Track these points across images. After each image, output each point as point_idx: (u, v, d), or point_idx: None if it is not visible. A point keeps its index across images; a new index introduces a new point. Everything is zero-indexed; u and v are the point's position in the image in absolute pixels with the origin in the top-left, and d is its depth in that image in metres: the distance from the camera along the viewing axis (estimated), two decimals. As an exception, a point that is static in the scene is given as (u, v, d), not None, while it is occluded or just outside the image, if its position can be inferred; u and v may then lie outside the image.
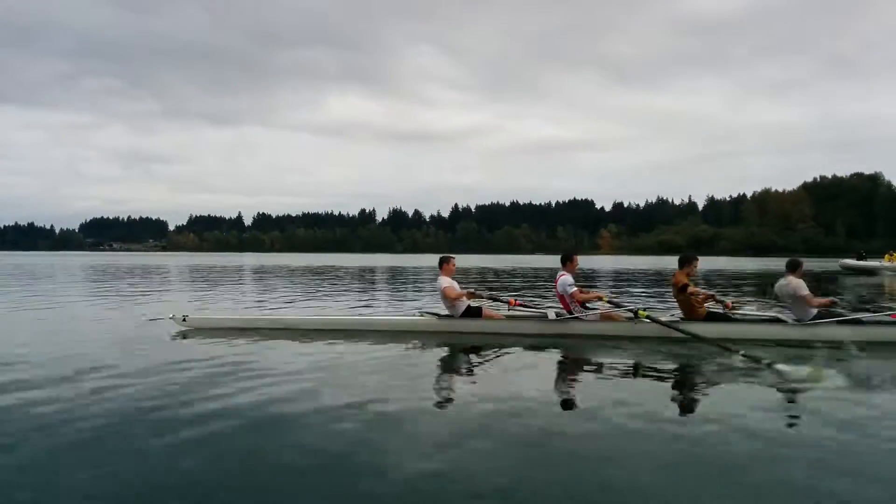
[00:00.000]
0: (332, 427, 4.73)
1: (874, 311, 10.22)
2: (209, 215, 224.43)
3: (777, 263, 57.78)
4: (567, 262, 9.75)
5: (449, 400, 5.90)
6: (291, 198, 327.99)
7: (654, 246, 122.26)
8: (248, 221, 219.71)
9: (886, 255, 38.75)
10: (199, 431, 4.58)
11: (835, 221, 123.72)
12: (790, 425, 5.00)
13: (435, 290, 10.91)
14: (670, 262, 60.02)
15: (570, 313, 9.32)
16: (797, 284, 8.77)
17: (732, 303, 9.52)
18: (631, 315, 9.03)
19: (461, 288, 9.72)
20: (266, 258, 79.99)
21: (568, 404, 5.71)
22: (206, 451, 4.21)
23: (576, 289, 9.46)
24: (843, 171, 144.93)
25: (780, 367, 6.50)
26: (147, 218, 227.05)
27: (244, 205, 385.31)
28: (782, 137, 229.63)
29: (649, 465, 3.97)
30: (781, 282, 9.02)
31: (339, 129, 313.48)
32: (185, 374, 6.52)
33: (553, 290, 10.54)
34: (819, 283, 24.81)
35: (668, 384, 6.71)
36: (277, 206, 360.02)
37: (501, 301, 10.08)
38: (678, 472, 3.89)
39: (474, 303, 9.80)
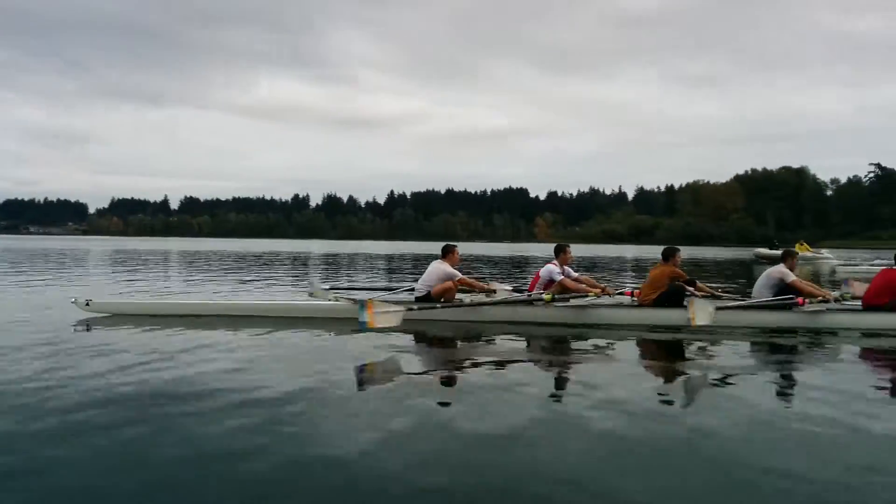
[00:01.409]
0: (226, 418, 4.43)
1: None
2: (133, 198, 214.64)
3: (714, 252, 60.47)
4: (560, 253, 9.89)
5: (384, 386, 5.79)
6: (221, 182, 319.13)
7: (598, 234, 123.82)
8: (174, 205, 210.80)
9: (797, 245, 39.76)
10: (80, 423, 4.29)
11: (765, 212, 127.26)
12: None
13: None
14: (608, 251, 62.31)
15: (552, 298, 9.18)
16: (784, 271, 9.21)
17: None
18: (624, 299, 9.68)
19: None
20: (194, 243, 77.01)
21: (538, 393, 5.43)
22: (83, 446, 3.90)
23: (562, 277, 9.55)
24: (767, 164, 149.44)
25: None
26: (66, 200, 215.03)
27: (170, 188, 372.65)
28: (704, 130, 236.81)
29: (588, 451, 3.96)
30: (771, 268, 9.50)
31: (270, 111, 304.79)
32: (83, 362, 6.10)
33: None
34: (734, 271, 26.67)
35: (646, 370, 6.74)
36: (206, 190, 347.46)
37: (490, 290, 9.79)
38: (617, 460, 3.82)
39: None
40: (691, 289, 9.24)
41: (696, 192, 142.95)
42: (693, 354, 7.36)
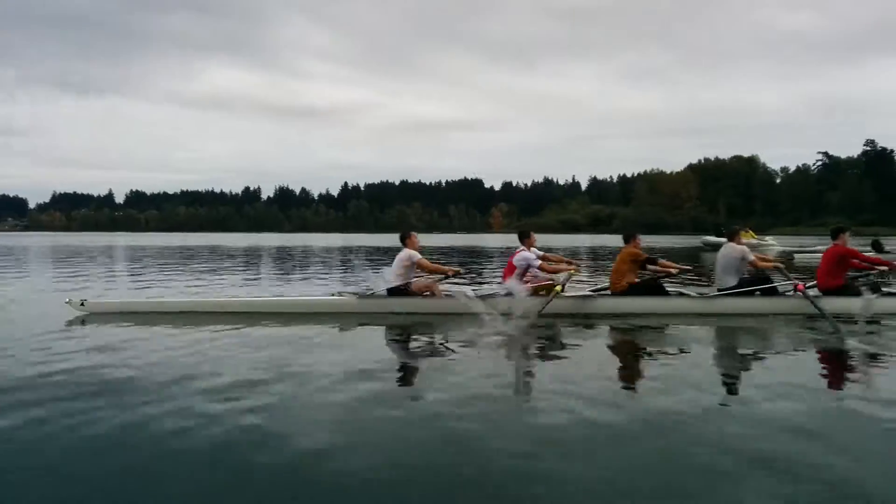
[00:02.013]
0: (200, 413, 4.50)
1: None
2: (75, 192, 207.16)
3: (668, 240, 61.39)
4: (525, 238, 9.87)
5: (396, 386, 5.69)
6: (167, 174, 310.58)
7: (557, 224, 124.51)
8: (119, 199, 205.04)
9: (742, 232, 40.05)
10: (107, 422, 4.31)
11: (718, 201, 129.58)
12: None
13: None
14: (564, 240, 62.07)
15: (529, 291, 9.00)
16: (743, 250, 9.43)
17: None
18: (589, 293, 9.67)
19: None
20: (145, 238, 74.63)
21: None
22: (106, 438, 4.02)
23: (540, 262, 9.53)
24: (709, 153, 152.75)
25: None
26: (3, 195, 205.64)
27: (114, 181, 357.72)
28: (649, 122, 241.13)
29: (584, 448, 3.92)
30: (724, 249, 9.65)
31: (214, 101, 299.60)
32: (92, 363, 6.07)
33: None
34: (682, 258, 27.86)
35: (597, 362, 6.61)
36: (152, 183, 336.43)
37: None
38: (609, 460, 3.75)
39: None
40: (658, 268, 9.70)
41: (652, 182, 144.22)
42: (670, 342, 7.56)
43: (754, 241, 37.77)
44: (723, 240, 36.88)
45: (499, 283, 10.06)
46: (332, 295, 9.88)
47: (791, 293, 9.12)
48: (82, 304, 9.08)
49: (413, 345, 7.54)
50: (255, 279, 16.87)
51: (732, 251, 9.45)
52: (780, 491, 3.28)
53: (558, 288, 8.75)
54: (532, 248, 9.77)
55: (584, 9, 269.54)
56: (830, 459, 3.66)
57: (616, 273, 9.63)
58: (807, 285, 9.08)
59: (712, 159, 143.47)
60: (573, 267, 9.63)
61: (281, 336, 7.61)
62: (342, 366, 5.98)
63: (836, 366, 6.56)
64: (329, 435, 4.07)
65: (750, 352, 7.16)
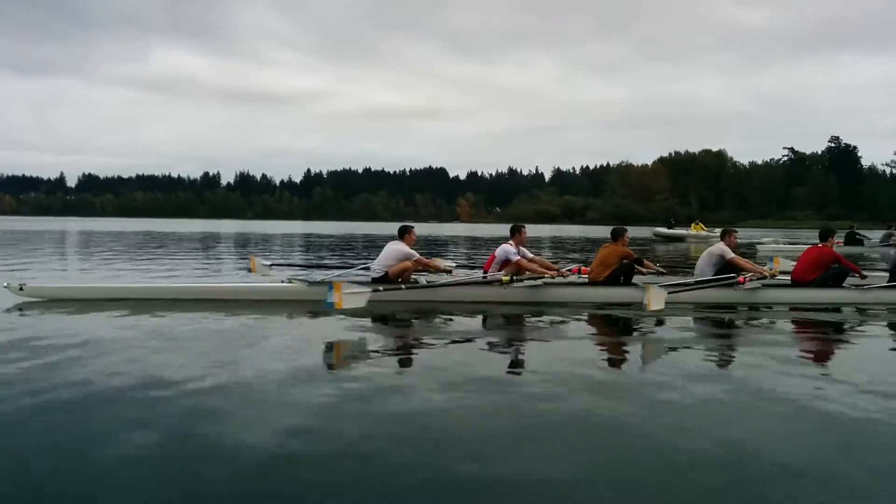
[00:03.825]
0: (188, 404, 4.38)
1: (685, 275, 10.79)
2: (24, 175, 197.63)
3: (641, 232, 61.48)
4: (516, 233, 10.06)
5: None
6: (119, 158, 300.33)
7: (531, 214, 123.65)
8: (71, 182, 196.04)
9: (693, 224, 43.49)
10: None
11: (689, 194, 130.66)
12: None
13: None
14: (540, 230, 61.91)
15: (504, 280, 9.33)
16: (723, 248, 9.89)
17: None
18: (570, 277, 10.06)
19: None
20: (101, 223, 71.39)
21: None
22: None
23: (518, 258, 9.73)
24: (675, 147, 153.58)
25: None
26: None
27: (65, 164, 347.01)
28: (611, 114, 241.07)
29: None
30: (713, 246, 10.18)
31: (168, 84, 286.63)
32: (25, 352, 5.71)
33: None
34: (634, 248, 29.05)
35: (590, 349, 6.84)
36: (105, 167, 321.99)
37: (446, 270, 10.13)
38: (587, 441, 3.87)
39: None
40: (642, 268, 10.09)
41: (623, 174, 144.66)
42: (641, 330, 7.76)
43: (704, 233, 39.74)
44: (673, 231, 38.16)
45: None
46: (283, 282, 9.65)
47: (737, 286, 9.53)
48: (21, 289, 8.62)
49: (399, 332, 7.62)
50: (215, 266, 16.55)
51: (714, 249, 9.99)
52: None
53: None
54: (521, 247, 10.00)
55: (550, 1, 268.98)
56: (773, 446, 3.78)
57: (601, 265, 9.80)
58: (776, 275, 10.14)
59: (682, 153, 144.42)
60: (552, 272, 9.76)
61: (233, 325, 7.37)
62: (298, 358, 5.79)
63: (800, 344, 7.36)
64: (282, 430, 3.89)
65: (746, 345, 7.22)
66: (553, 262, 10.54)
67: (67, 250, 22.21)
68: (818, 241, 10.22)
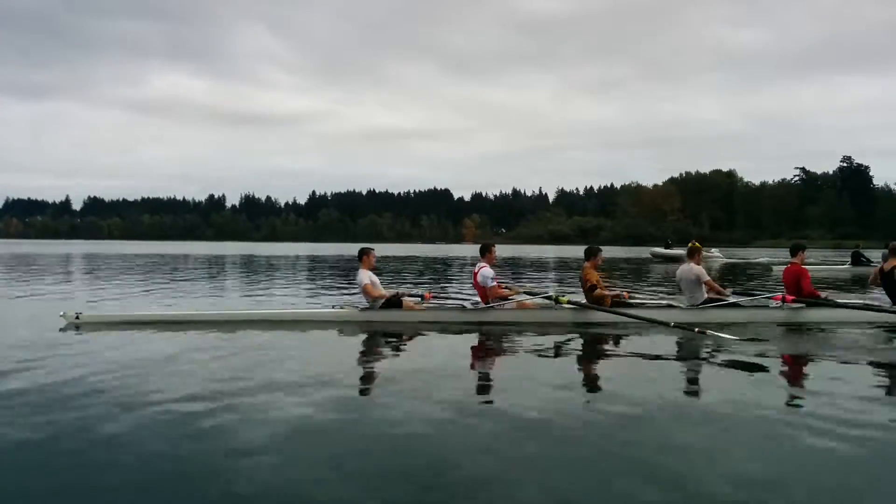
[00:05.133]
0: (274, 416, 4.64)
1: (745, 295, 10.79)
2: (30, 199, 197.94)
3: (625, 251, 61.07)
4: (486, 252, 10.03)
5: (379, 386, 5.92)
6: (122, 180, 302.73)
7: (545, 235, 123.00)
8: (77, 206, 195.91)
9: (690, 244, 42.46)
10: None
11: (700, 214, 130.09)
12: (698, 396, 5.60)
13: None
14: (546, 251, 61.05)
15: (487, 304, 9.59)
16: (699, 271, 9.73)
17: (628, 293, 10.52)
18: (550, 302, 9.57)
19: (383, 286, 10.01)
20: (113, 247, 70.90)
21: (492, 387, 5.95)
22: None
23: (495, 283, 9.76)
24: (678, 168, 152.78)
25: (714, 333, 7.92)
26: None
27: (70, 187, 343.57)
28: (610, 134, 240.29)
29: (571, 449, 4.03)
30: (683, 268, 10.00)
31: (167, 107, 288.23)
32: (85, 373, 5.90)
33: (471, 281, 11.98)
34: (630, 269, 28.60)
35: (588, 365, 7.13)
36: (109, 190, 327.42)
37: (416, 295, 10.40)
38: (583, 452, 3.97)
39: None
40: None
41: (635, 194, 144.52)
42: (633, 349, 7.63)
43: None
44: (670, 252, 35.92)
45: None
46: (333, 307, 10.05)
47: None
48: (77, 318, 8.98)
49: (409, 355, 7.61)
50: (252, 290, 16.37)
51: (690, 272, 9.75)
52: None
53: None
54: (490, 266, 9.91)
55: (546, 22, 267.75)
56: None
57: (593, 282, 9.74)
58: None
59: (693, 173, 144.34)
60: (514, 292, 10.10)
61: (285, 346, 7.57)
62: (342, 377, 5.98)
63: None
64: (311, 448, 4.03)
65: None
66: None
67: (101, 275, 21.97)
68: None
